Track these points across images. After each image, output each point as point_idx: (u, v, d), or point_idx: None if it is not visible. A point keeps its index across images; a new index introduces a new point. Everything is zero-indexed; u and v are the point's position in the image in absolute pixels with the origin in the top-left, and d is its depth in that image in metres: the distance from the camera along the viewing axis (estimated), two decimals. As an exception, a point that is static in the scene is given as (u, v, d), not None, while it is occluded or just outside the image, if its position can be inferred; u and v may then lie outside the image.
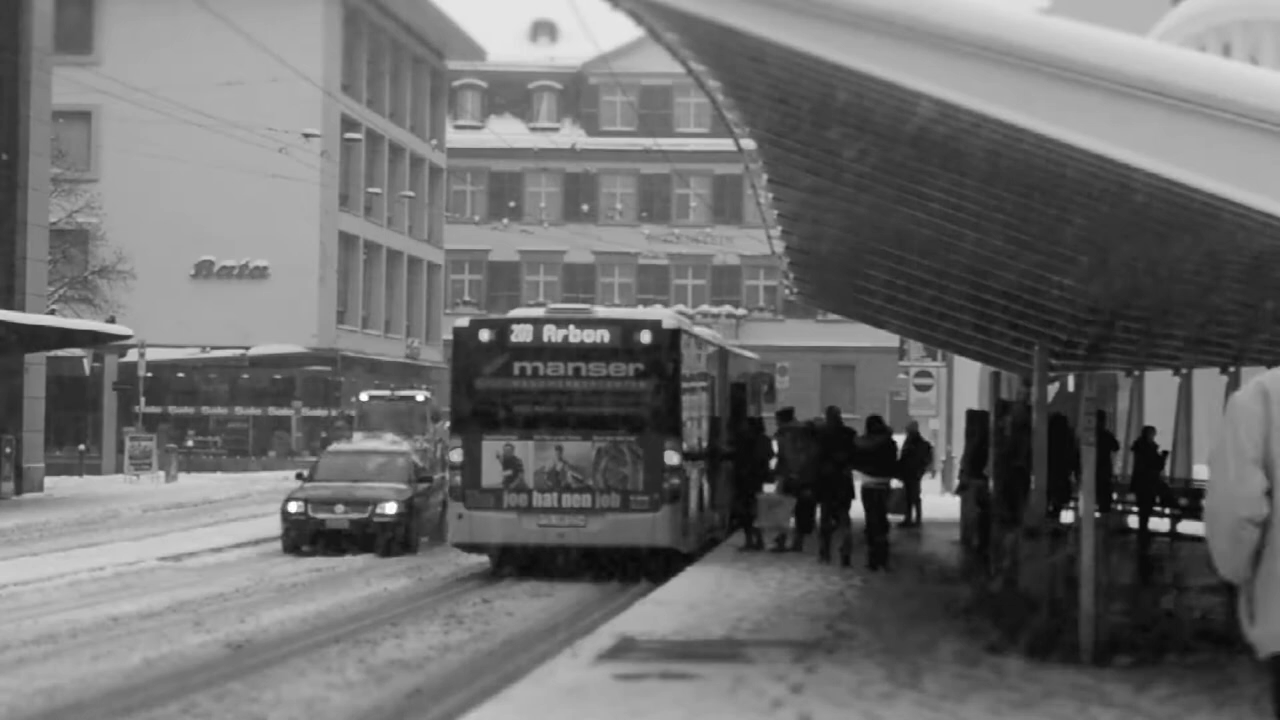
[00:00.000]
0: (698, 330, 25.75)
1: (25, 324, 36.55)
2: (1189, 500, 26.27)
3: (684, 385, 22.33)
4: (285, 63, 48.70)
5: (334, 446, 31.45)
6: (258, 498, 39.36)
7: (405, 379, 65.33)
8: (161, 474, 46.24)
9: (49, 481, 40.99)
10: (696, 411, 23.69)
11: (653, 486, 21.57)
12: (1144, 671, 12.58)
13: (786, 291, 37.16)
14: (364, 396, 44.07)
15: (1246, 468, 5.63)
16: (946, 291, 21.90)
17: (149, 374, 49.88)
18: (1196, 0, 56.28)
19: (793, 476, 24.01)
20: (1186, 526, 26.05)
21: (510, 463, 21.94)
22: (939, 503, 32.89)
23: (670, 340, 22.14)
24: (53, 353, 42.66)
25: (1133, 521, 26.15)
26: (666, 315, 23.41)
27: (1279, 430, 5.64)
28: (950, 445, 41.83)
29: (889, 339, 43.30)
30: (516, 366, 22.13)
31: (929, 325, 27.19)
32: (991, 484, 21.33)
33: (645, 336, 22.05)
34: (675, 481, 21.72)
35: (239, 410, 57.05)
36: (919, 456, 30.92)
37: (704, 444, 24.36)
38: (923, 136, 12.57)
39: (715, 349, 26.65)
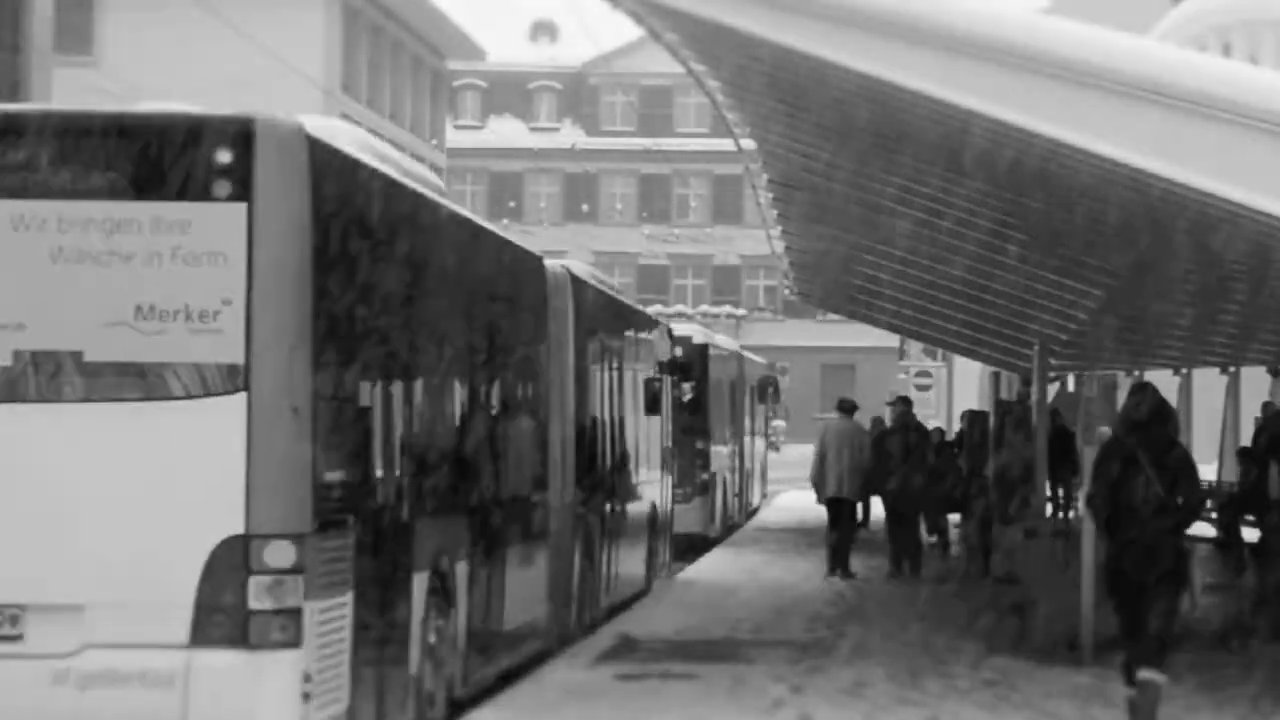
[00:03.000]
0: (719, 339, 28.61)
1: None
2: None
3: (710, 393, 25.37)
4: (286, 63, 48.67)
5: None
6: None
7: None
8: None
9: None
10: (723, 413, 27.23)
11: (686, 481, 23.92)
12: (1144, 671, 12.54)
13: (786, 291, 37.19)
14: None
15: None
16: (946, 291, 21.92)
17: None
18: (1196, 0, 56.30)
19: None
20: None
21: None
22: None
23: (699, 354, 24.83)
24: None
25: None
26: (695, 331, 26.41)
27: None
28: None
29: (889, 339, 43.27)
30: None
31: (929, 325, 27.22)
32: (991, 484, 21.32)
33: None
34: (704, 477, 24.81)
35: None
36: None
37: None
38: (923, 137, 12.59)
39: (734, 358, 29.99)
